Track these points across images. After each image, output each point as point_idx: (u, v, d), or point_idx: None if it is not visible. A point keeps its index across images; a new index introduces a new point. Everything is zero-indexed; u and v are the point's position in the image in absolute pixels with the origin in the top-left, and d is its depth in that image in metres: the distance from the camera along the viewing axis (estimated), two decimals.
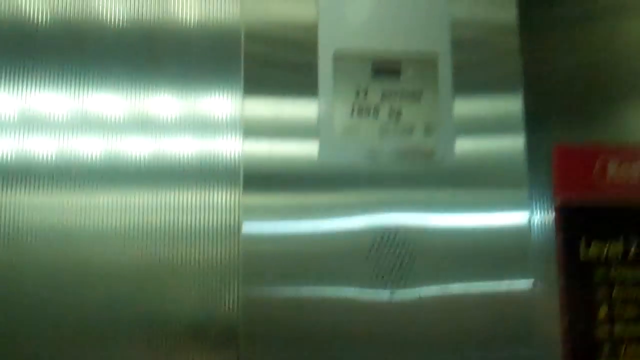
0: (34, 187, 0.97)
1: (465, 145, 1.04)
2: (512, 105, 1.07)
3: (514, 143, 1.06)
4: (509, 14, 1.09)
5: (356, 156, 1.02)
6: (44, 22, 1.00)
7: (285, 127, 1.01)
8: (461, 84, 1.06)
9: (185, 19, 1.03)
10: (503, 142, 1.06)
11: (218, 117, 1.01)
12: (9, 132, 0.98)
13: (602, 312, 1.06)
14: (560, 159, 1.09)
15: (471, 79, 1.06)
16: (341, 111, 1.02)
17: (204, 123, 1.00)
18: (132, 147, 0.99)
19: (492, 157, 1.05)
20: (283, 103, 1.02)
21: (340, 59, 1.03)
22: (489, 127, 1.07)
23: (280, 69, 1.02)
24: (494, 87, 1.07)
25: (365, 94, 1.03)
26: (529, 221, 1.05)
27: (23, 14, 1.01)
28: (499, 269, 1.01)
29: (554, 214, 1.07)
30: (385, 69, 1.04)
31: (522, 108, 1.07)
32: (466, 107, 1.05)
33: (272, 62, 1.02)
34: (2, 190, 0.96)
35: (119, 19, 1.02)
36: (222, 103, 1.01)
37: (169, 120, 1.00)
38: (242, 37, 1.03)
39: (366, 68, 1.04)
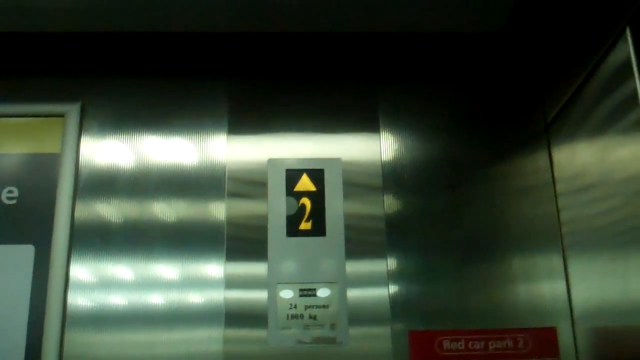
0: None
1: None
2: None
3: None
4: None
5: (290, 342, 1.83)
6: None
7: None
8: None
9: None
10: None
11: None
12: None
13: None
14: (413, 338, 1.87)
15: None
16: (281, 316, 1.85)
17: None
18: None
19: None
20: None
21: (281, 288, 1.87)
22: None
23: None
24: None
25: (295, 306, 1.86)
26: None
27: None
28: None
29: None
30: (306, 292, 1.87)
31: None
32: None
33: None
34: None
35: None
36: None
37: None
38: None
39: (296, 292, 1.87)
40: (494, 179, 2.05)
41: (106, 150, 2.01)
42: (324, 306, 1.87)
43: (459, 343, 1.88)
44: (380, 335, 1.88)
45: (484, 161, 2.06)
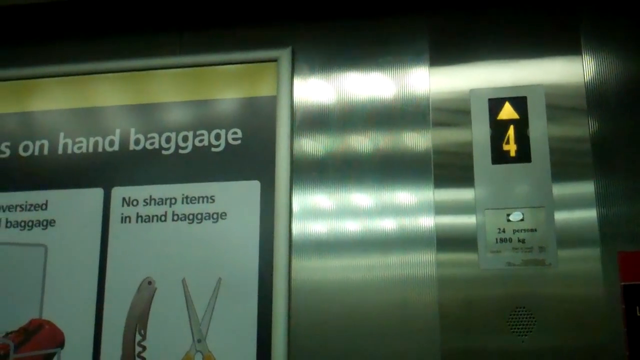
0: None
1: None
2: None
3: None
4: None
5: (500, 264, 1.93)
6: None
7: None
8: None
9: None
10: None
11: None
12: None
13: None
14: (623, 259, 1.91)
15: None
16: (490, 240, 1.94)
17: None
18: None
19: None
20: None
21: (489, 213, 1.96)
22: None
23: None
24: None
25: (504, 230, 1.94)
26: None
27: None
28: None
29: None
30: (514, 217, 1.95)
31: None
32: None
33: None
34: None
35: None
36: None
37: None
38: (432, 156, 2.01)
39: (504, 216, 1.95)
40: None
41: (317, 90, 2.17)
42: (532, 230, 1.95)
43: None
44: (590, 257, 1.93)
45: None
